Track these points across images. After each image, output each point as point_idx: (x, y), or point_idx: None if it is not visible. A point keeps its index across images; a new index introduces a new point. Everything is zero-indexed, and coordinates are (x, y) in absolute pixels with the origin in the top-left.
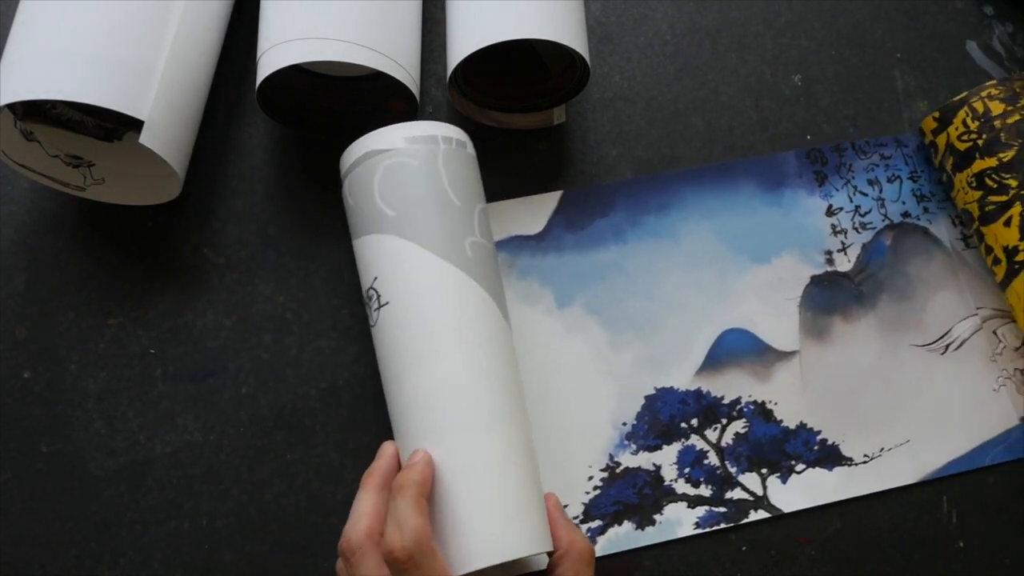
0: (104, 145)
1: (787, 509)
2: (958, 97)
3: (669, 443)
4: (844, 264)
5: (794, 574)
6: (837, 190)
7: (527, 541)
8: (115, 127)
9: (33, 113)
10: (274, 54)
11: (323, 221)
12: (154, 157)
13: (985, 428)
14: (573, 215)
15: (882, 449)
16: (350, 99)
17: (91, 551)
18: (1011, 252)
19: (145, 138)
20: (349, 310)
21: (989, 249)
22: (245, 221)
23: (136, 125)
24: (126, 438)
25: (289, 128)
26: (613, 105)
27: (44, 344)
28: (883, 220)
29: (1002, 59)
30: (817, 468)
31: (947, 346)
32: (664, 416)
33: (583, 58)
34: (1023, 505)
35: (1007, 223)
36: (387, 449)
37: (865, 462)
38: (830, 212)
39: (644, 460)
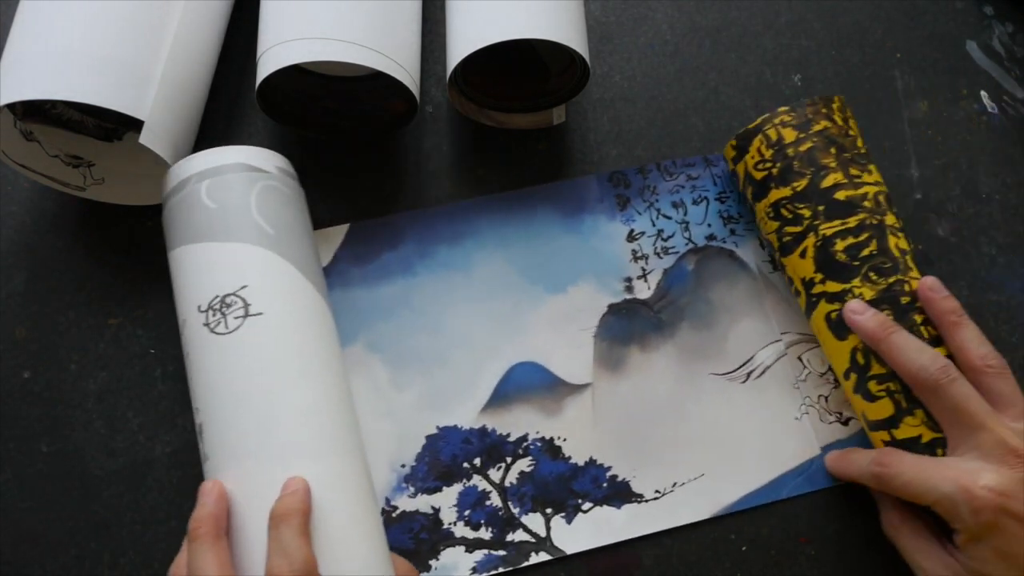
0: (104, 145)
1: (570, 550)
2: (753, 123)
3: (450, 484)
4: (644, 291)
5: (794, 574)
6: (639, 214)
7: (387, 566)
8: (115, 127)
9: (33, 113)
10: (274, 54)
11: (322, 221)
12: (154, 157)
13: (785, 459)
14: (360, 248)
15: (675, 484)
16: (350, 99)
17: (91, 551)
18: (808, 284)
19: (145, 138)
20: None
21: (790, 280)
22: None
23: (136, 125)
24: (126, 438)
25: (289, 128)
26: (613, 105)
27: (44, 344)
28: (686, 244)
29: (1002, 59)
30: (605, 506)
31: (748, 374)
32: (445, 456)
33: (583, 58)
34: None
35: (802, 255)
36: (213, 490)
37: (656, 498)
38: (631, 237)
39: (423, 503)
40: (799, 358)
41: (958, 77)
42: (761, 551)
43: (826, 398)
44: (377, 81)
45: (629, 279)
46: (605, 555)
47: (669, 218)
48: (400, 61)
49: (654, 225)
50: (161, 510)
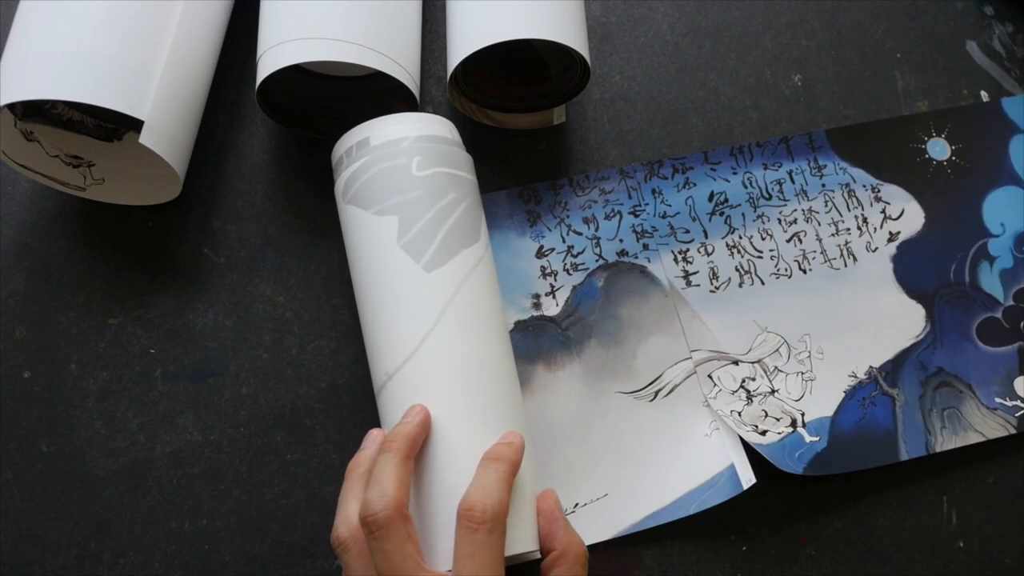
0: (104, 145)
1: None
2: None
3: None
4: (552, 308)
5: (794, 574)
6: (549, 230)
7: (521, 541)
8: (115, 127)
9: (33, 113)
10: (274, 54)
11: (323, 221)
12: (154, 157)
13: (693, 476)
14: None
15: (576, 505)
16: (350, 99)
17: (91, 551)
18: None
19: (145, 138)
20: (349, 310)
21: None
22: (245, 221)
23: (136, 125)
24: (126, 438)
25: (289, 128)
26: (613, 105)
27: (44, 344)
28: (597, 260)
29: (1002, 59)
30: None
31: (656, 392)
32: None
33: (583, 58)
34: (1023, 505)
35: None
36: (420, 414)
37: None
38: (540, 253)
39: None
40: (710, 376)
41: (958, 77)
42: (761, 551)
43: (739, 413)
44: (377, 81)
45: (537, 296)
46: (605, 555)
47: (580, 234)
48: (400, 61)
49: (564, 241)
50: (161, 510)
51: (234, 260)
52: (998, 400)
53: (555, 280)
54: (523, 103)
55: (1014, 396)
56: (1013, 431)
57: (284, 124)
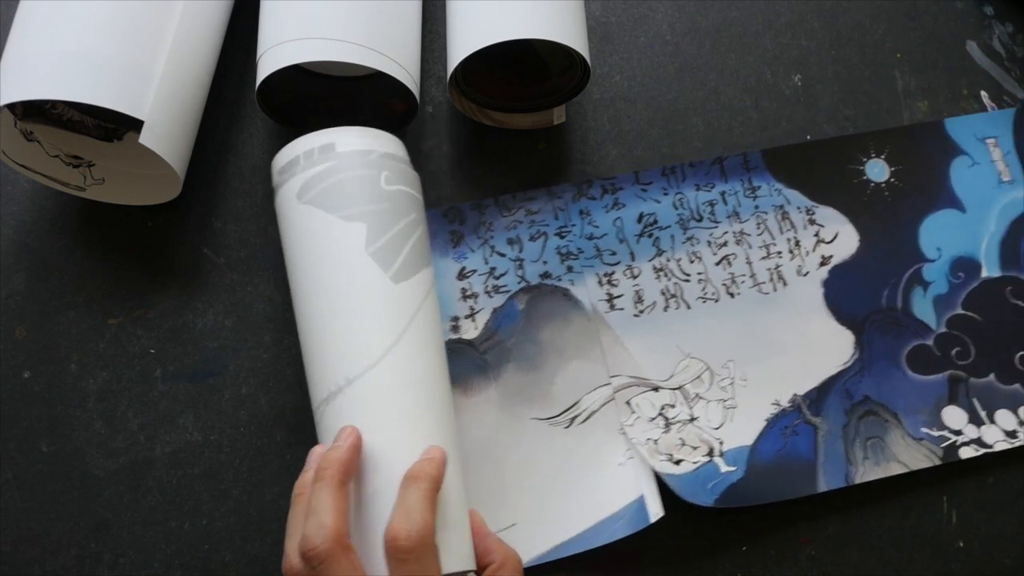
0: (104, 145)
1: None
2: None
3: None
4: (470, 331)
5: (794, 574)
6: (472, 251)
7: (460, 558)
8: (115, 127)
9: (33, 113)
10: (274, 54)
11: None
12: (154, 157)
13: (603, 506)
14: None
15: None
16: (350, 99)
17: (91, 551)
18: None
19: (145, 138)
20: None
21: None
22: (245, 221)
23: (136, 125)
24: (126, 438)
25: (289, 128)
26: (613, 105)
27: (44, 344)
28: (519, 282)
29: (1002, 59)
30: None
31: (572, 419)
32: None
33: (583, 58)
34: (1023, 505)
35: None
36: (350, 437)
37: None
38: (461, 275)
39: None
40: (628, 402)
41: (958, 77)
42: (761, 551)
43: (655, 441)
44: (377, 81)
45: (456, 318)
46: (605, 555)
47: (503, 255)
48: (400, 61)
49: (487, 263)
50: (161, 510)
51: (234, 260)
52: (924, 430)
53: (475, 302)
54: (523, 103)
55: (941, 426)
56: (938, 462)
57: (284, 124)
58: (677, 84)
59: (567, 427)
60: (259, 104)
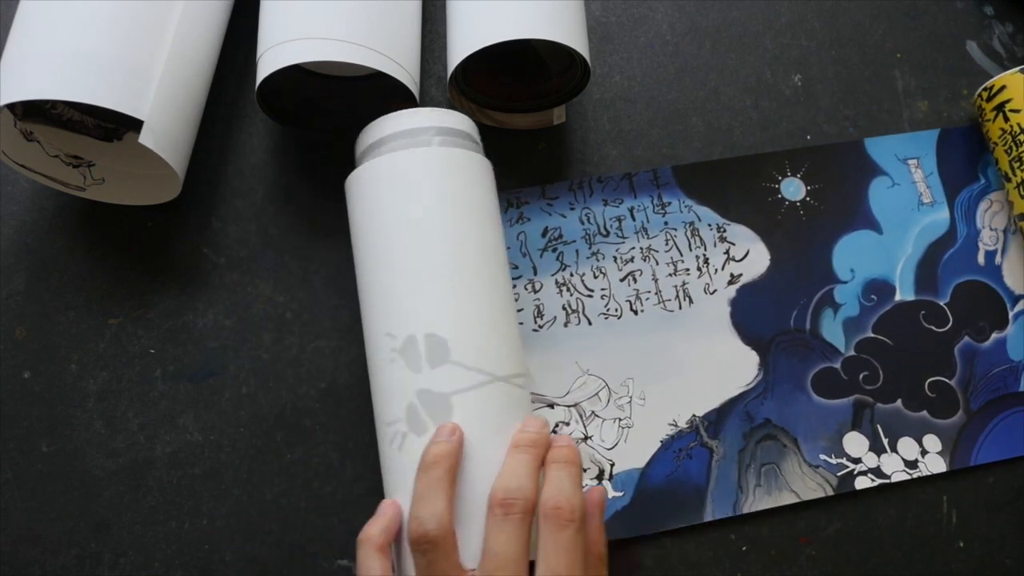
0: (104, 145)
1: None
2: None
3: None
4: None
5: (794, 574)
6: None
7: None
8: (115, 127)
9: (33, 113)
10: (274, 54)
11: (323, 221)
12: (154, 157)
13: None
14: None
15: None
16: (350, 99)
17: (91, 551)
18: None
19: (145, 138)
20: (349, 310)
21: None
22: (245, 221)
23: (136, 125)
24: (126, 438)
25: (289, 128)
26: (613, 105)
27: (44, 344)
28: None
29: (1002, 59)
30: None
31: None
32: None
33: (583, 58)
34: (1023, 505)
35: None
36: (389, 510)
37: None
38: None
39: None
40: None
41: (958, 77)
42: (761, 551)
43: None
44: (377, 81)
45: None
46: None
47: None
48: (400, 61)
49: None
50: (161, 510)
51: (234, 260)
52: (823, 457)
53: None
54: (523, 103)
55: (840, 453)
56: (831, 492)
57: (284, 124)
58: (677, 84)
59: None
60: (259, 104)
